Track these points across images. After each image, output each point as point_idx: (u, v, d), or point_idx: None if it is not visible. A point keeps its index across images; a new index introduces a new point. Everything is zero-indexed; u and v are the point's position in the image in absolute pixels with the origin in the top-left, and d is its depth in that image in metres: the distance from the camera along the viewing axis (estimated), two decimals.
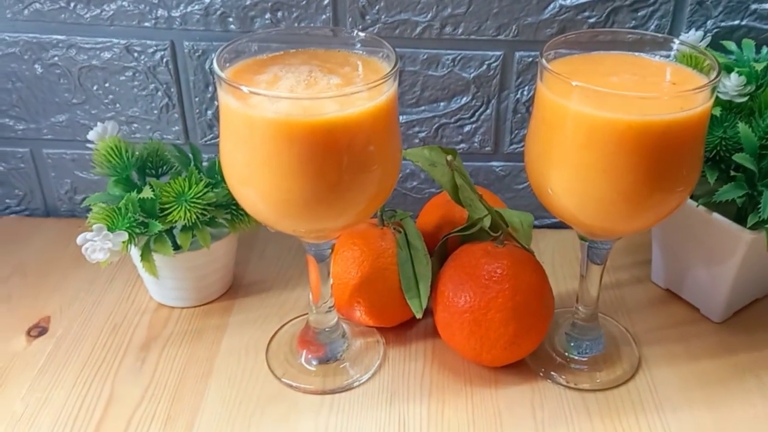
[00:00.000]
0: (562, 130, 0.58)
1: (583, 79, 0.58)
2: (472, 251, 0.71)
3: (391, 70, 0.57)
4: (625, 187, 0.57)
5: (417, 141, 0.87)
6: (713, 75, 0.58)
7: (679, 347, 0.75)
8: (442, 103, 0.85)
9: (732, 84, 0.68)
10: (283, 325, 0.77)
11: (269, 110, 0.53)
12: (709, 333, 0.77)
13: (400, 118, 0.86)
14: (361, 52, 0.62)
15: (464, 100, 0.85)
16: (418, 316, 0.70)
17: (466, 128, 0.87)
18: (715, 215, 0.71)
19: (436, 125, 0.86)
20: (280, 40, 0.63)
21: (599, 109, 0.55)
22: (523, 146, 0.87)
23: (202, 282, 0.78)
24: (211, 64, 0.64)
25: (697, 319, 0.79)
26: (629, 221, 0.60)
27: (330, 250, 0.67)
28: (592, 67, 0.62)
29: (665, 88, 0.59)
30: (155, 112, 0.86)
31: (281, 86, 0.56)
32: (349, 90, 0.55)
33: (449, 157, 0.69)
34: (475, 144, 0.88)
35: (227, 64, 0.59)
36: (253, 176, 0.56)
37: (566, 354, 0.74)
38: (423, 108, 0.85)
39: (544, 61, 0.59)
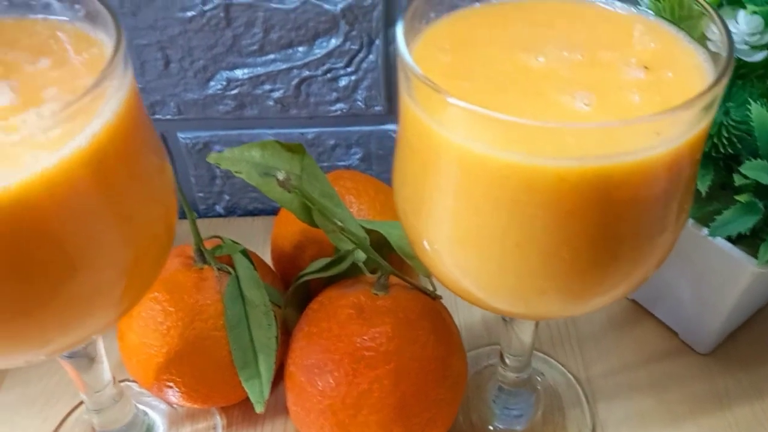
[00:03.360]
0: (439, 172, 0.31)
1: (478, 61, 0.32)
2: (335, 308, 0.46)
3: (108, 66, 0.29)
4: (558, 269, 0.31)
5: (271, 103, 0.59)
6: (718, 44, 0.32)
7: (651, 401, 0.53)
8: (300, 49, 0.57)
9: (741, 30, 0.41)
10: (75, 408, 0.52)
11: None
12: (691, 373, 0.55)
13: (240, 72, 0.58)
14: (76, 22, 0.34)
15: (333, 42, 0.56)
16: (258, 409, 0.46)
17: (342, 82, 0.59)
18: (707, 235, 0.46)
19: (295, 80, 0.58)
20: None
21: (503, 148, 0.28)
22: None
23: None
24: None
25: (675, 349, 0.56)
26: (569, 309, 0.35)
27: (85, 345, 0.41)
28: (500, 30, 0.35)
29: (629, 81, 0.32)
30: None
31: None
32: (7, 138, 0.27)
33: (281, 175, 0.42)
34: (359, 103, 0.60)
35: None
36: None
37: (488, 428, 0.50)
38: (272, 57, 0.57)
39: (400, 32, 0.31)
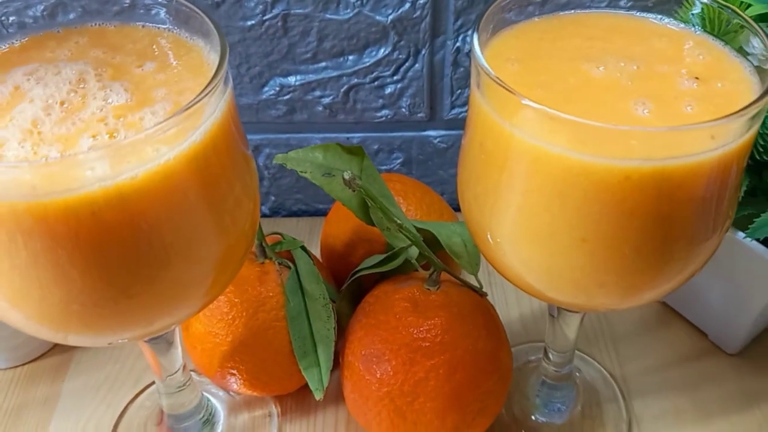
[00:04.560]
0: (510, 170, 0.34)
1: (544, 71, 0.35)
2: (391, 302, 0.48)
3: (216, 75, 0.32)
4: (619, 263, 0.34)
5: (320, 109, 0.63)
6: (760, 57, 0.35)
7: (684, 399, 0.55)
8: (350, 57, 0.60)
9: None
10: (138, 395, 0.55)
11: None
12: (722, 372, 0.57)
13: (293, 78, 0.61)
14: (174, 29, 0.37)
15: (382, 51, 0.60)
16: (318, 396, 0.49)
17: (388, 89, 0.62)
18: (742, 237, 0.49)
19: (344, 87, 0.61)
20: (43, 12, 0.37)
21: (573, 149, 0.31)
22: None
23: (16, 339, 0.55)
24: None
25: (705, 349, 0.58)
26: (624, 301, 0.38)
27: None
28: (561, 43, 0.38)
29: (683, 91, 0.35)
30: None
31: (14, 121, 0.31)
32: (127, 140, 0.30)
33: (348, 175, 0.45)
34: (403, 110, 0.63)
35: None
36: None
37: (529, 420, 0.53)
38: (324, 65, 0.60)
39: (477, 45, 0.34)
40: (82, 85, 0.33)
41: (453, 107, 0.63)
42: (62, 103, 0.32)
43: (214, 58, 0.35)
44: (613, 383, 0.56)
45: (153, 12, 0.37)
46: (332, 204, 0.60)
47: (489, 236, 0.38)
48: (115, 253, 0.31)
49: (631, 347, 0.59)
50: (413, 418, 0.46)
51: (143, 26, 0.37)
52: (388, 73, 0.61)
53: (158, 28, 0.37)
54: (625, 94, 0.34)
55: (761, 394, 0.55)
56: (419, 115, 0.64)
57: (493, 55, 0.37)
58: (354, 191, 0.46)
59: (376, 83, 0.61)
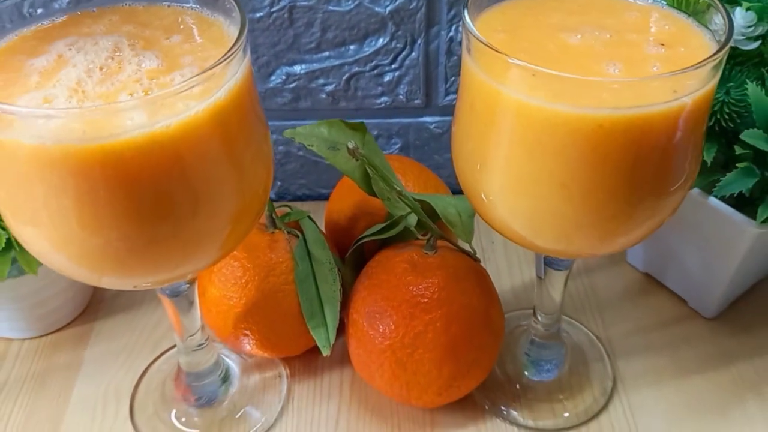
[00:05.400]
0: (498, 125, 0.38)
1: (527, 39, 0.39)
2: (392, 264, 0.53)
3: (236, 41, 0.36)
4: (595, 207, 0.39)
5: (324, 96, 0.67)
6: (719, 32, 0.39)
7: (665, 359, 0.59)
8: (351, 47, 0.64)
9: (738, 23, 0.49)
10: (156, 359, 0.59)
11: (27, 134, 0.33)
12: (700, 335, 0.61)
13: (298, 67, 0.65)
14: (197, 7, 0.41)
15: (381, 41, 0.64)
16: (325, 353, 0.53)
17: (387, 77, 0.66)
18: (713, 200, 0.53)
19: (346, 75, 0.66)
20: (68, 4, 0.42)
21: (552, 101, 0.35)
22: None
23: (41, 309, 0.59)
24: None
25: (685, 314, 0.63)
26: (601, 246, 0.42)
27: (187, 285, 0.48)
28: (543, 17, 0.42)
29: (650, 55, 0.39)
30: None
31: (60, 81, 0.36)
32: (162, 92, 0.34)
33: (351, 144, 0.49)
34: (401, 97, 0.67)
35: None
36: (35, 220, 0.37)
37: (521, 378, 0.57)
38: (327, 54, 0.65)
39: (467, 16, 0.39)
40: (118, 53, 0.38)
41: (447, 94, 0.68)
42: (101, 68, 0.37)
43: (233, 32, 0.39)
44: (599, 344, 0.60)
45: None
46: (334, 189, 0.64)
47: (483, 195, 0.43)
48: (148, 198, 0.35)
49: (616, 313, 0.63)
50: (413, 369, 0.50)
51: (169, 5, 0.42)
52: (386, 61, 0.65)
53: (182, 6, 0.42)
54: (599, 58, 0.39)
55: (736, 354, 0.59)
56: (416, 101, 0.68)
57: (482, 27, 0.41)
58: (357, 160, 0.50)
59: (375, 71, 0.66)
